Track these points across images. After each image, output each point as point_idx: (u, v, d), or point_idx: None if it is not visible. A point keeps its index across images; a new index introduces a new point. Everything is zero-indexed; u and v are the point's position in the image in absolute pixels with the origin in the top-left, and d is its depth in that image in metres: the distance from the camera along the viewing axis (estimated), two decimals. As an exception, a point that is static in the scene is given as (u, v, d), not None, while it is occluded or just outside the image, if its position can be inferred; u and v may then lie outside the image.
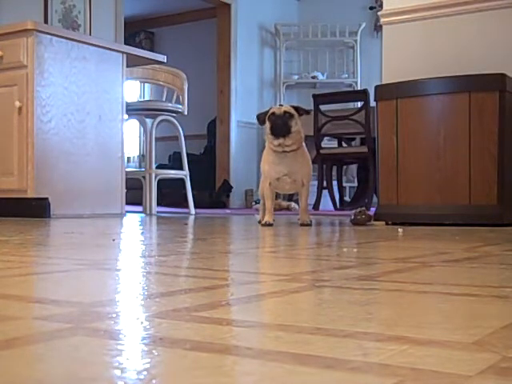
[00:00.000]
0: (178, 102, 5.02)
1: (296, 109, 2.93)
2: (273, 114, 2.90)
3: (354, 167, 6.87)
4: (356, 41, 8.25)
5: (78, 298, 0.84)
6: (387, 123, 3.23)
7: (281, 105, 3.25)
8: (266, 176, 3.02)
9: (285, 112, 2.89)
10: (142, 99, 8.82)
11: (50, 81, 3.79)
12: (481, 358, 0.52)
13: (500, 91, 2.97)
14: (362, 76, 8.26)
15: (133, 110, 4.75)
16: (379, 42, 6.72)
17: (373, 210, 3.63)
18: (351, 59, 8.41)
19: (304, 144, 3.00)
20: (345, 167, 6.57)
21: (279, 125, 2.86)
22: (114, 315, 0.70)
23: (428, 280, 1.07)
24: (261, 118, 2.98)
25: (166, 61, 4.61)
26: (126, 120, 4.51)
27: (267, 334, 0.63)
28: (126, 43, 6.51)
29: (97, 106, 4.06)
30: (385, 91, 3.28)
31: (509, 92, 3.01)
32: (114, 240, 2.04)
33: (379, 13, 3.79)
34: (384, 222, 3.26)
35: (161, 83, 5.21)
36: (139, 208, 5.08)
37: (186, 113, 5.02)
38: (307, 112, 2.98)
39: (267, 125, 2.91)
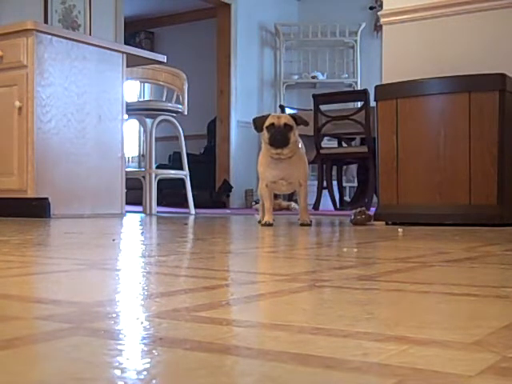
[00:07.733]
0: (178, 102, 5.02)
1: (295, 119, 2.92)
2: (272, 125, 2.87)
3: (353, 167, 6.87)
4: (356, 41, 8.25)
5: (78, 298, 0.84)
6: (387, 123, 3.23)
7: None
8: (262, 178, 3.04)
9: (285, 124, 2.87)
10: (142, 99, 8.82)
11: (50, 81, 3.79)
12: (481, 358, 0.52)
13: (500, 91, 2.97)
14: (362, 76, 8.26)
15: (133, 109, 4.75)
16: (379, 42, 6.72)
17: (373, 210, 3.63)
18: (351, 59, 8.41)
19: (300, 145, 2.99)
20: (345, 167, 6.56)
21: (278, 138, 2.85)
22: (114, 315, 0.70)
23: (428, 280, 1.07)
24: (258, 125, 2.94)
25: (165, 61, 4.61)
26: (126, 120, 4.51)
27: (267, 334, 0.63)
28: (126, 43, 6.51)
29: (97, 106, 4.06)
30: (385, 91, 3.28)
31: (509, 92, 3.01)
32: (114, 240, 2.04)
33: (379, 13, 3.79)
34: (384, 222, 3.26)
35: (161, 83, 5.21)
36: (139, 208, 5.08)
37: (185, 113, 5.02)
38: (306, 123, 2.96)
39: (265, 134, 2.89)
